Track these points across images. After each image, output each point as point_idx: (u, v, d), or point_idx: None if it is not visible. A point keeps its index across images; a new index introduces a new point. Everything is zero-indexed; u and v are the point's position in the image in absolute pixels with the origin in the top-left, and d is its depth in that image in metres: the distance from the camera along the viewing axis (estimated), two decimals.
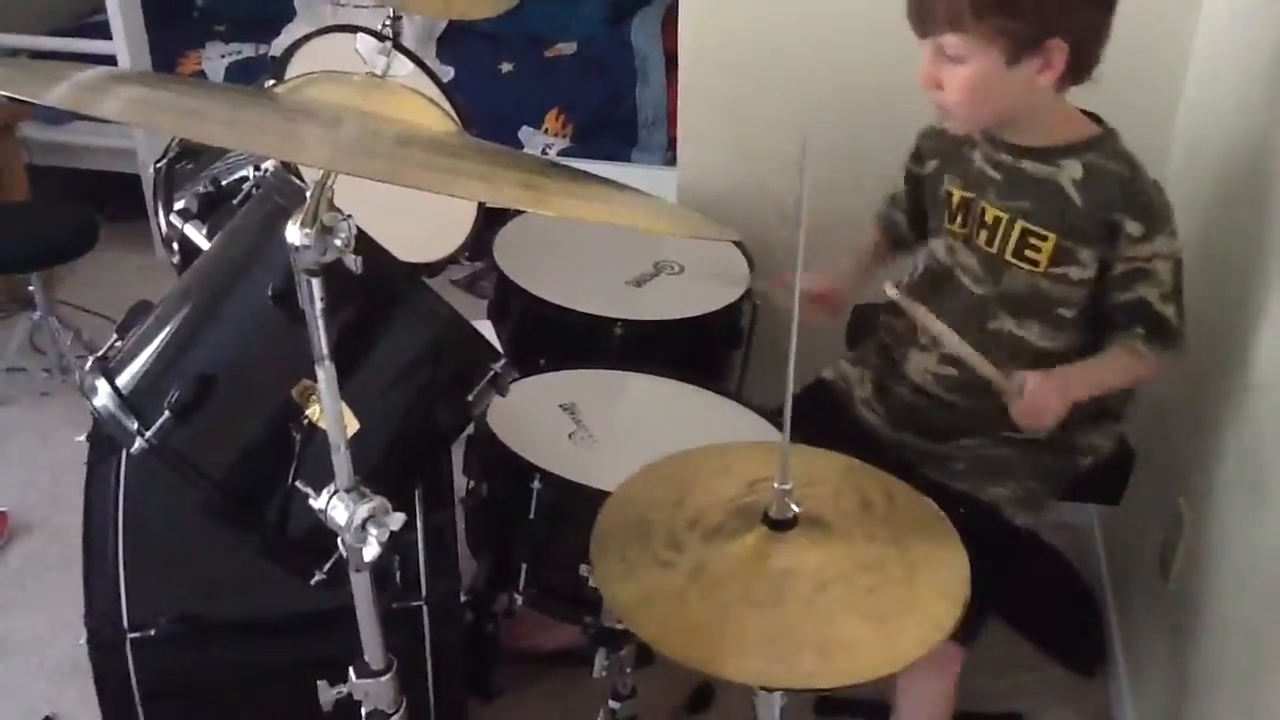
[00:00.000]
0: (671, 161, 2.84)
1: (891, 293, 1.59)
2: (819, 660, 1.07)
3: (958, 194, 1.69)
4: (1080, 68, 1.50)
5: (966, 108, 1.54)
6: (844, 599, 1.13)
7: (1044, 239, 1.59)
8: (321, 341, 1.10)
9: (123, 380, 1.28)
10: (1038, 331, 1.64)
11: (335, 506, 1.16)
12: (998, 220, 1.63)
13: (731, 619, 1.11)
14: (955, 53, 1.49)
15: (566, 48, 3.51)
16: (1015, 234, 1.61)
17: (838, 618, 1.11)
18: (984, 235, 1.65)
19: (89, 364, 1.31)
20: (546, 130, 3.35)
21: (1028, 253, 1.60)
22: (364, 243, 1.11)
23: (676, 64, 2.35)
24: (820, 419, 1.14)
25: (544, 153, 3.30)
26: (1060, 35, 1.46)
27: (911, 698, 1.76)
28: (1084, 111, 1.61)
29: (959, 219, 1.69)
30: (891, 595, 1.14)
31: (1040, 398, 1.54)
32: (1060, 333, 1.64)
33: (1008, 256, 1.62)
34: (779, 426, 1.16)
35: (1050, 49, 1.47)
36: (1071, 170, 1.57)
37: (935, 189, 1.74)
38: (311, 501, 1.17)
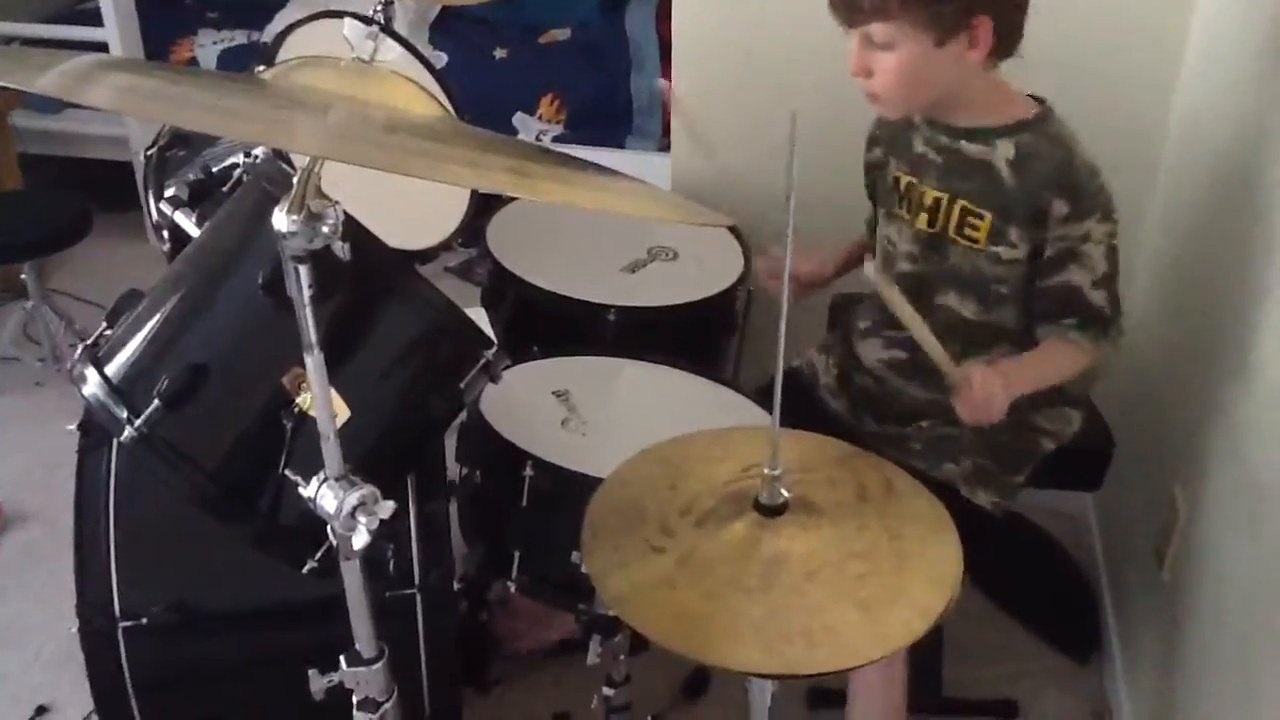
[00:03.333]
0: (665, 148, 2.83)
1: (869, 270, 1.60)
2: (805, 647, 1.07)
3: (904, 179, 1.71)
4: (1005, 42, 1.53)
5: (897, 93, 1.56)
6: (833, 586, 1.12)
7: (981, 218, 1.62)
8: (310, 329, 1.10)
9: (112, 369, 1.28)
10: (974, 308, 1.67)
11: (324, 495, 1.15)
12: (937, 201, 1.66)
13: (720, 605, 1.10)
14: (883, 40, 1.51)
15: (561, 34, 3.50)
16: (956, 213, 1.64)
17: (826, 605, 1.11)
18: (923, 218, 1.68)
19: (78, 352, 1.31)
20: (540, 116, 3.33)
21: (967, 230, 1.63)
22: (353, 230, 1.10)
23: (671, 51, 2.35)
24: (787, 405, 1.15)
25: (538, 139, 3.28)
26: (983, 12, 1.49)
27: (865, 679, 1.76)
28: (1031, 95, 1.63)
29: (904, 203, 1.72)
30: (880, 583, 1.14)
31: (986, 391, 1.54)
32: (996, 309, 1.66)
33: (951, 234, 1.65)
34: (768, 410, 1.15)
35: (975, 26, 1.49)
36: (1005, 150, 1.59)
37: (884, 174, 1.77)
38: (301, 490, 1.17)
